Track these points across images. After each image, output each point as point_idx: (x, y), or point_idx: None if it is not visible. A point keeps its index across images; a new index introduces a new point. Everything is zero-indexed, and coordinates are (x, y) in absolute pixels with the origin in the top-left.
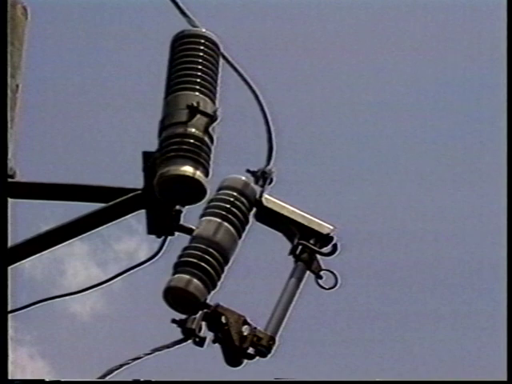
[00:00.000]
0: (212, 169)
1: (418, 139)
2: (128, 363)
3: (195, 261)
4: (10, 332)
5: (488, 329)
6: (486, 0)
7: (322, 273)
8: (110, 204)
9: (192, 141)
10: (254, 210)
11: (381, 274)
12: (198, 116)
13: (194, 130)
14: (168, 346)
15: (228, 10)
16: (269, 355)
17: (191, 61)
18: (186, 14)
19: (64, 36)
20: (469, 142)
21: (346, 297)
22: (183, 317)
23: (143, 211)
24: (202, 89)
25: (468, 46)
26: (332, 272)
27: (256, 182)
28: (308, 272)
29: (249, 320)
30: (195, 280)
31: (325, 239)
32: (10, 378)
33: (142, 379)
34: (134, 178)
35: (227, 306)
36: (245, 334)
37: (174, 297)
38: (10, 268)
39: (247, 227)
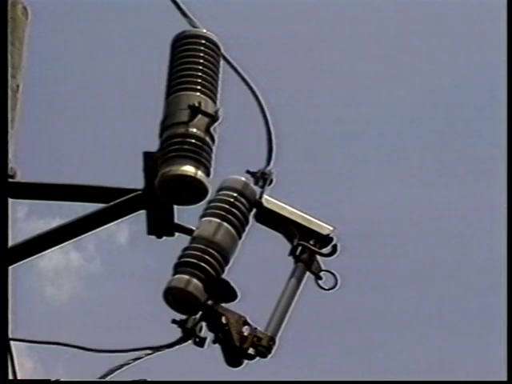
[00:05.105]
0: (213, 169)
1: (418, 139)
2: (128, 363)
3: (195, 261)
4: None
5: (488, 329)
6: (486, 0)
7: (321, 273)
8: (111, 204)
9: (193, 141)
10: (254, 210)
11: (381, 274)
12: (200, 116)
13: (195, 130)
14: (168, 346)
15: (228, 10)
16: (269, 356)
17: (192, 61)
18: (187, 15)
19: (64, 36)
20: (469, 141)
21: (346, 297)
22: (183, 317)
23: (143, 211)
24: (203, 89)
25: (468, 46)
26: (332, 273)
27: (256, 183)
28: (308, 273)
29: (249, 320)
30: (195, 280)
31: (325, 240)
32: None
33: (141, 379)
34: (134, 179)
35: (227, 306)
36: (245, 334)
37: (175, 297)
38: (10, 268)
39: (247, 228)
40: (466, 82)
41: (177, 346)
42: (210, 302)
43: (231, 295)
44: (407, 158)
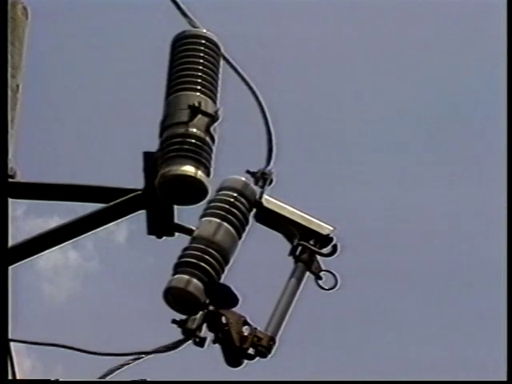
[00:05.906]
0: (213, 169)
1: (418, 139)
2: (128, 363)
3: (195, 261)
4: None
5: (488, 329)
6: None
7: (321, 273)
8: (111, 204)
9: (193, 141)
10: (254, 210)
11: (381, 274)
12: (200, 116)
13: (195, 130)
14: (168, 349)
15: (228, 10)
16: (269, 356)
17: (192, 61)
18: (187, 15)
19: (64, 36)
20: (469, 141)
21: (346, 297)
22: (183, 317)
23: (143, 211)
24: (203, 89)
25: (468, 45)
26: (332, 273)
27: (256, 183)
28: (308, 272)
29: (249, 320)
30: (195, 280)
31: (325, 240)
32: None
33: (141, 379)
34: (134, 179)
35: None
36: (245, 334)
37: (175, 297)
38: (10, 268)
39: (247, 228)
40: (465, 81)
41: (177, 349)
42: (211, 308)
43: (232, 301)
44: (407, 157)
